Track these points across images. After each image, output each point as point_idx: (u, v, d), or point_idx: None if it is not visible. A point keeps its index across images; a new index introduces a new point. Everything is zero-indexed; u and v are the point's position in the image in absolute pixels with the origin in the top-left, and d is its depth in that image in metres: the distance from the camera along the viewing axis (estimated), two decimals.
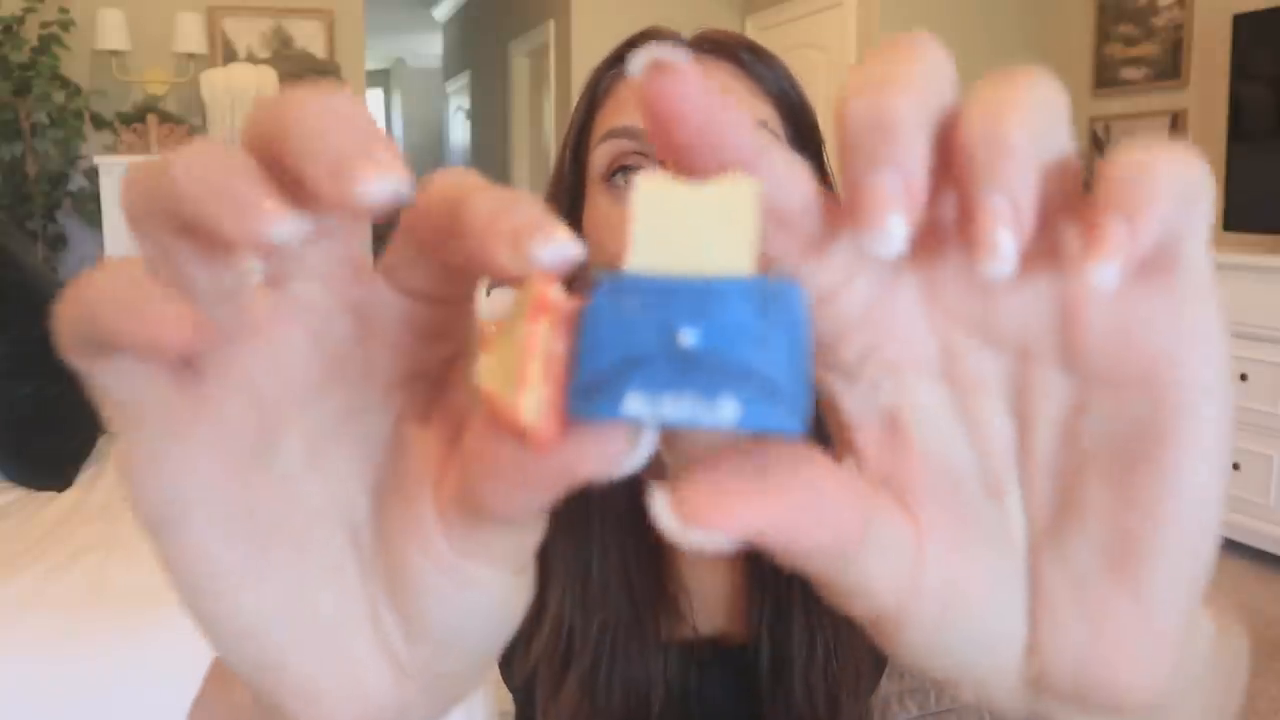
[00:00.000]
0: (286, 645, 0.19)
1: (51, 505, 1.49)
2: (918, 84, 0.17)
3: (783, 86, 0.54)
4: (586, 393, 0.15)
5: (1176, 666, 0.18)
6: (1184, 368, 0.17)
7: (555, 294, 0.15)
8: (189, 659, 1.00)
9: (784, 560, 0.17)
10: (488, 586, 0.19)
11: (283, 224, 0.15)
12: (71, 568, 1.23)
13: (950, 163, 0.17)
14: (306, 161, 0.16)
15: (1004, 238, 0.16)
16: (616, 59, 0.55)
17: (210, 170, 0.16)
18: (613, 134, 0.51)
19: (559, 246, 0.15)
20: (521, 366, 0.15)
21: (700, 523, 0.15)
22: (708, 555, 0.60)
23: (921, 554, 0.18)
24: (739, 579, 0.60)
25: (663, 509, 0.16)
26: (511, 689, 0.64)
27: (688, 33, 0.57)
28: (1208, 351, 0.17)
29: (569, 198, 0.54)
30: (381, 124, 0.15)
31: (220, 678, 0.34)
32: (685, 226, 0.16)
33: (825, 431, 0.19)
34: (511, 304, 0.16)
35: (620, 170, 0.51)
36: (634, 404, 0.15)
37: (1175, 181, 0.17)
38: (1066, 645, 0.18)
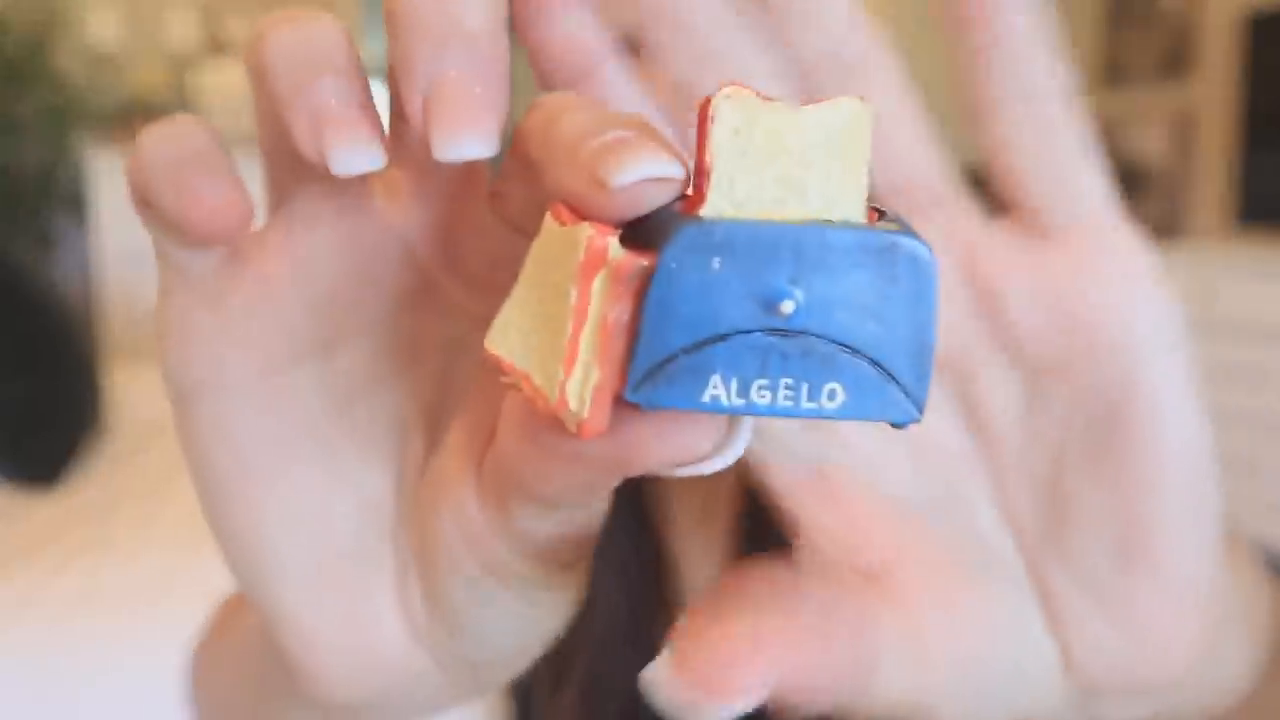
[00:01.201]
0: (299, 579, 0.17)
1: (42, 505, 1.48)
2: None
3: None
4: (655, 376, 0.12)
5: (1214, 623, 0.17)
6: (1122, 326, 0.16)
7: (613, 247, 0.12)
8: (184, 661, 0.98)
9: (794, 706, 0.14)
10: (523, 582, 0.16)
11: (355, 157, 0.14)
12: (64, 569, 1.22)
13: None
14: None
15: None
16: None
17: (294, 75, 0.14)
18: None
19: (645, 167, 0.12)
20: (570, 339, 0.12)
21: (709, 696, 0.13)
22: (705, 569, 0.61)
23: (923, 635, 0.16)
24: None
25: (666, 680, 0.13)
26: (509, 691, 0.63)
27: None
28: (1141, 302, 0.16)
29: None
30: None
31: (230, 611, 0.34)
32: (780, 161, 0.12)
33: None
34: (540, 245, 0.13)
35: None
36: (718, 391, 0.12)
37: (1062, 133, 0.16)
38: (1103, 650, 0.17)
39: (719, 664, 0.13)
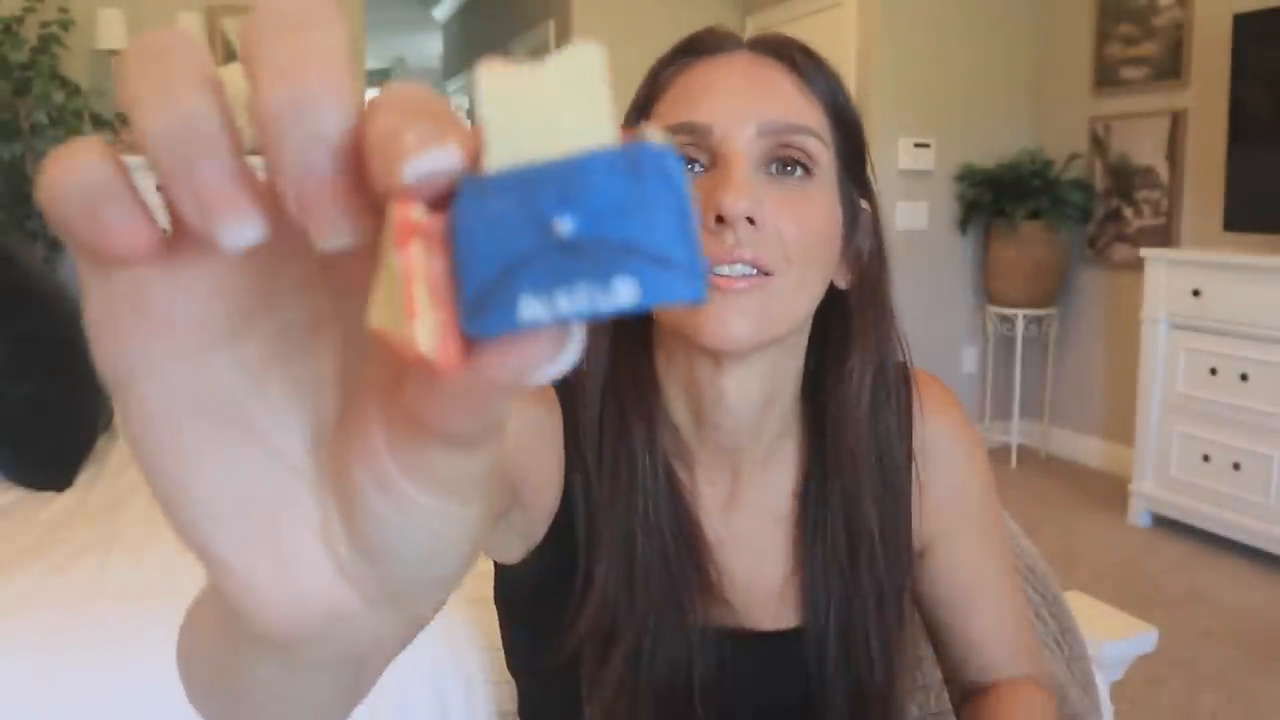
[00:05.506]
0: (230, 531, 0.19)
1: (51, 505, 1.49)
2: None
3: (834, 91, 0.61)
4: (477, 309, 0.15)
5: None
6: None
7: (417, 213, 0.15)
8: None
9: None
10: (430, 514, 0.19)
11: (241, 235, 0.16)
12: (71, 567, 1.23)
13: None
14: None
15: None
16: (676, 54, 0.62)
17: (176, 155, 0.16)
18: (672, 129, 0.58)
19: (424, 162, 0.15)
20: (406, 296, 0.15)
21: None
22: (743, 543, 0.66)
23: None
24: (793, 568, 0.66)
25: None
26: (540, 669, 0.66)
27: (746, 35, 0.63)
28: None
29: None
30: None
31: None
32: (536, 109, 0.15)
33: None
34: (384, 230, 0.15)
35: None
36: (530, 309, 0.14)
37: None
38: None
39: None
